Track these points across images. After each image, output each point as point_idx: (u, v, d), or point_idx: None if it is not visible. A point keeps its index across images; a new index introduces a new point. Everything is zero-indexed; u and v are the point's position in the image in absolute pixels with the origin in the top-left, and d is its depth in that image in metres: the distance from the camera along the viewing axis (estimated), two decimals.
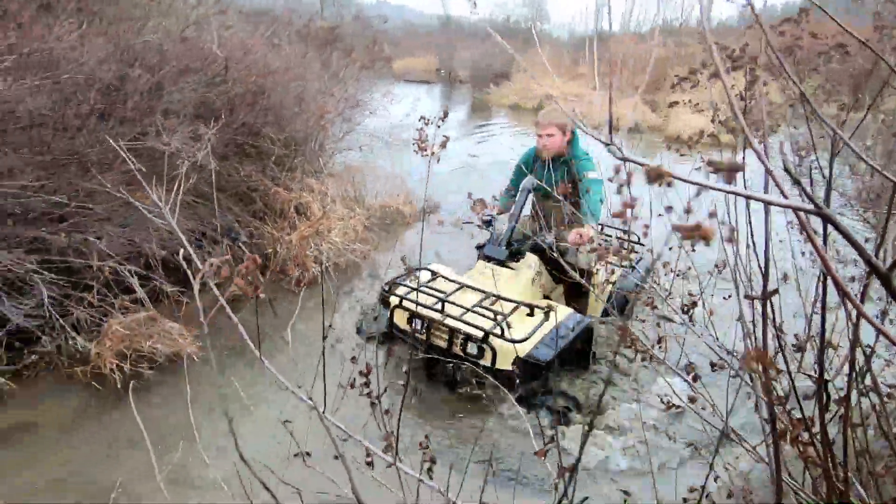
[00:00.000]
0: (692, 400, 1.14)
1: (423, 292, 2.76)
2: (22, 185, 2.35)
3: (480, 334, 2.45)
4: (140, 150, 3.02)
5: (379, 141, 6.31)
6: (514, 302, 2.60)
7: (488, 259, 3.04)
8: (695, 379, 1.18)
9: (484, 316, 2.54)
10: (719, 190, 0.42)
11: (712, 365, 1.23)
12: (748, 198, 0.44)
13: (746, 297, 0.82)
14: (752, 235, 1.06)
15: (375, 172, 5.50)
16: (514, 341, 2.35)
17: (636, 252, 3.49)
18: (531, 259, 3.09)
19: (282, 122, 4.56)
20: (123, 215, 3.01)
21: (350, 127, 6.01)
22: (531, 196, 3.16)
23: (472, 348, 2.58)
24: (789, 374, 0.90)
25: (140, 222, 3.18)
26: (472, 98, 16.98)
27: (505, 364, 2.47)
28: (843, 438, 0.77)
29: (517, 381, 2.39)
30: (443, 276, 2.93)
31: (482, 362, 2.52)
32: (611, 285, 3.24)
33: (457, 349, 2.63)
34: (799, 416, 0.83)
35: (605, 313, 3.23)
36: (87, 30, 2.95)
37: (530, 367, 2.48)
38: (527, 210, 3.28)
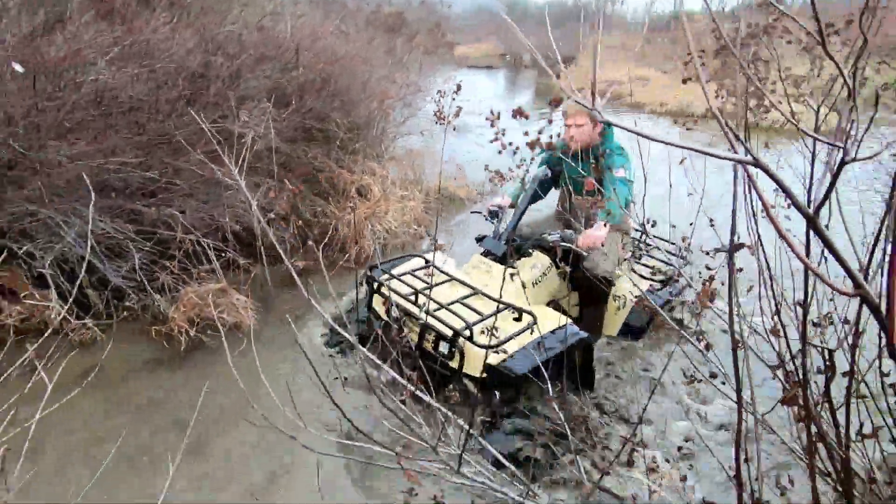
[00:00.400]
0: (713, 376, 1.16)
1: (404, 282, 2.54)
2: (123, 162, 2.67)
3: (450, 333, 2.19)
4: (219, 133, 3.30)
5: (438, 126, 6.41)
6: (501, 303, 2.24)
7: (486, 254, 2.76)
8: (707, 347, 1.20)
9: (458, 315, 2.28)
10: (664, 143, 0.48)
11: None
12: (691, 150, 0.49)
13: (717, 250, 0.88)
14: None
15: (434, 157, 5.62)
16: (483, 346, 2.04)
17: (673, 265, 3.02)
18: (538, 259, 2.76)
19: (347, 108, 4.77)
20: (205, 192, 3.31)
21: (411, 112, 6.16)
22: (558, 188, 2.98)
23: (444, 347, 2.31)
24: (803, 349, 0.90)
25: (218, 199, 3.49)
26: (536, 83, 16.70)
27: (474, 370, 2.18)
28: (847, 409, 0.79)
29: (492, 391, 2.13)
30: (435, 266, 2.67)
31: (452, 364, 2.27)
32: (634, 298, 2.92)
33: (428, 346, 2.37)
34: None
35: (627, 329, 2.97)
36: (178, 23, 3.24)
37: (503, 378, 2.13)
38: (545, 203, 3.06)
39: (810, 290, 0.92)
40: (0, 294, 2.87)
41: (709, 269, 1.21)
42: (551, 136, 1.37)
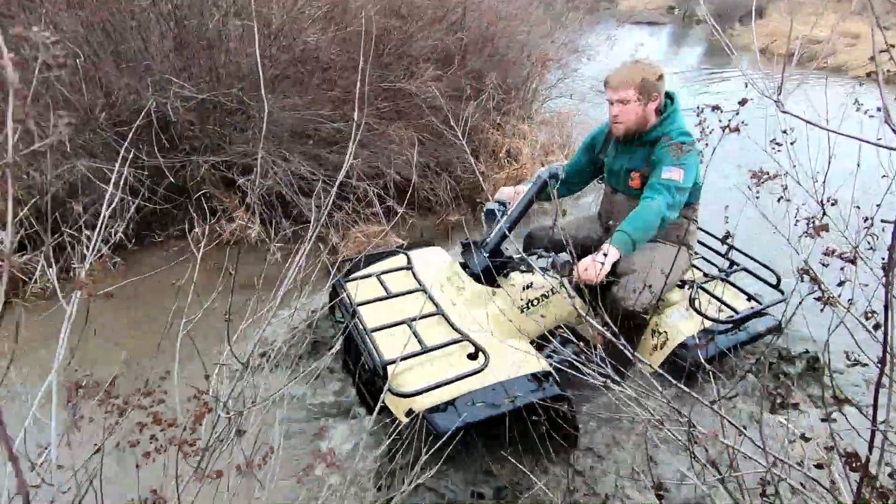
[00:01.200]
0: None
1: (385, 282, 2.14)
2: (318, 114, 3.14)
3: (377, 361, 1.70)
4: (392, 91, 3.66)
5: (592, 89, 6.20)
6: (461, 333, 1.81)
7: (464, 266, 2.22)
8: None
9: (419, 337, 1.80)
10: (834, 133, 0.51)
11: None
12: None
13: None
14: None
15: (585, 121, 5.50)
16: (397, 394, 1.62)
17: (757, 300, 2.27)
18: (518, 282, 2.11)
19: (504, 68, 4.86)
20: (376, 144, 3.74)
21: (565, 73, 6.03)
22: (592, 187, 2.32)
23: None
24: None
25: (383, 151, 3.91)
26: (707, 40, 14.83)
27: (398, 412, 1.69)
28: None
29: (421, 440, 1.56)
30: (411, 268, 2.21)
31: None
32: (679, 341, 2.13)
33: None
34: None
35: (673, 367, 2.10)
36: None
37: (430, 429, 1.60)
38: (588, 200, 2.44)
39: None
40: (222, 213, 3.64)
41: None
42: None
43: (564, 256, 1.92)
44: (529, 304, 2.08)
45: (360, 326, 1.84)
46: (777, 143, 0.90)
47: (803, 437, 0.92)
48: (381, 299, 2.01)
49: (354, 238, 3.67)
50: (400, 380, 1.68)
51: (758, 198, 0.97)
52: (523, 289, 2.05)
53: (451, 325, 1.86)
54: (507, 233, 2.07)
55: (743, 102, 0.88)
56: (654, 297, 1.94)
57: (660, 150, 1.99)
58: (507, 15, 4.98)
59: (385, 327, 1.83)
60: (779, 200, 0.93)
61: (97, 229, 0.82)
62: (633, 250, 1.88)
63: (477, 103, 4.48)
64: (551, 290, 2.07)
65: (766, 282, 2.26)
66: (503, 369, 1.71)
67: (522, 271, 2.12)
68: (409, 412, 1.62)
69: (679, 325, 2.16)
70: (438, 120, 3.92)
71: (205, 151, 3.43)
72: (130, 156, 0.88)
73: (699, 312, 2.06)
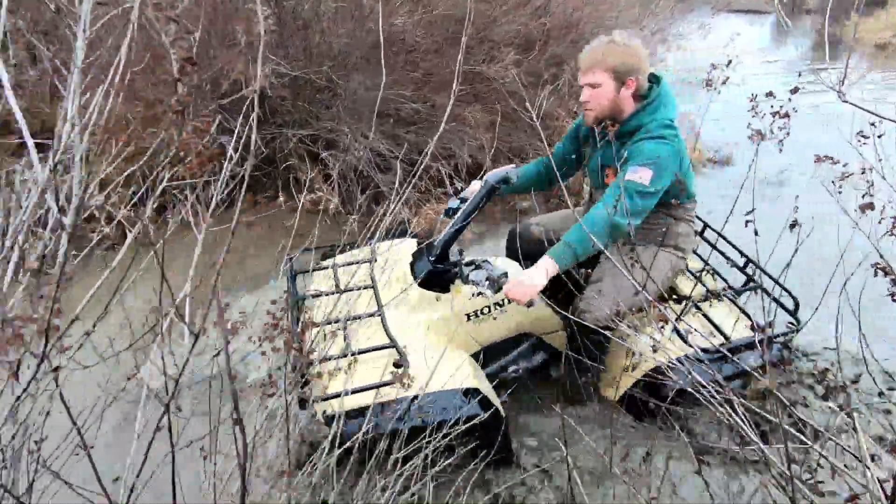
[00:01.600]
0: None
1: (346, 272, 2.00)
2: (401, 94, 3.29)
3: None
4: (472, 74, 3.73)
5: (679, 81, 5.92)
6: (392, 339, 1.68)
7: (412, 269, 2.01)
8: None
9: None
10: None
11: None
12: None
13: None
14: None
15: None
16: (304, 399, 1.52)
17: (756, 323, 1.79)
18: (465, 290, 1.89)
19: None
20: (451, 125, 3.84)
21: (652, 63, 5.80)
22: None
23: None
24: None
25: (458, 133, 4.00)
26: (815, 32, 13.51)
27: (319, 413, 1.58)
28: None
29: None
30: (373, 263, 2.03)
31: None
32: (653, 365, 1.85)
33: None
34: None
35: (630, 403, 1.94)
36: None
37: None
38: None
39: None
40: (304, 184, 3.91)
41: None
42: None
43: (502, 268, 1.72)
44: (479, 312, 1.90)
45: (297, 318, 1.74)
46: (864, 136, 0.87)
47: None
48: (329, 293, 1.91)
49: (426, 215, 3.82)
50: (326, 380, 1.58)
51: (840, 192, 0.95)
52: (472, 297, 1.86)
53: (385, 330, 1.71)
54: (450, 240, 1.88)
55: (794, 91, 0.87)
56: (623, 310, 1.67)
57: (631, 146, 1.72)
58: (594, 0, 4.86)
59: (322, 324, 1.68)
60: (863, 196, 0.90)
61: (220, 182, 0.97)
62: (576, 262, 1.70)
63: (553, 87, 4.44)
64: (471, 314, 1.90)
65: (781, 305, 1.90)
66: (432, 380, 1.54)
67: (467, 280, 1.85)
68: (325, 414, 1.51)
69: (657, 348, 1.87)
70: (513, 105, 3.95)
71: (293, 126, 3.70)
72: (237, 127, 1.03)
73: (679, 334, 1.76)
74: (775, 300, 1.90)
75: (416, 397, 1.49)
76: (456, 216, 1.94)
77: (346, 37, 3.36)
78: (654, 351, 1.64)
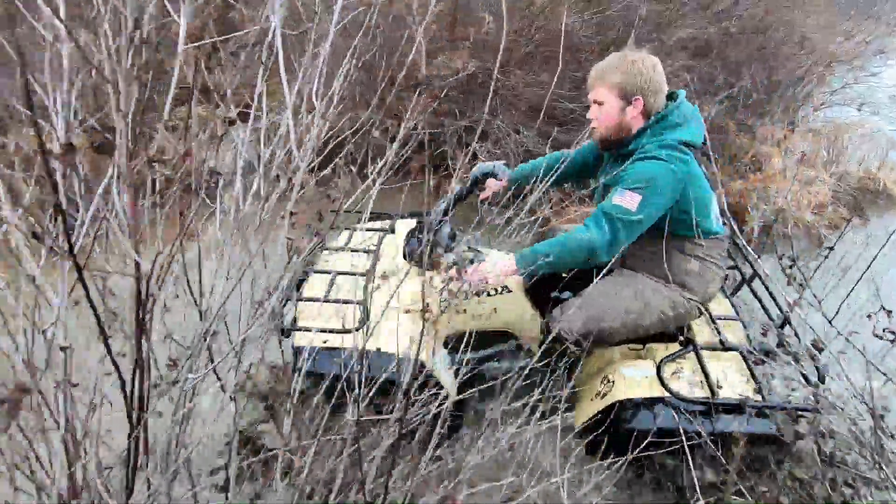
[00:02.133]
0: None
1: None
2: (557, 92, 3.31)
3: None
4: None
5: (892, 99, 5.00)
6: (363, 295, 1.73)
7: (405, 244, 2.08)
8: None
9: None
10: None
11: None
12: None
13: None
14: None
15: (872, 137, 4.52)
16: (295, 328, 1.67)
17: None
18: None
19: (772, 63, 4.28)
20: None
21: (857, 78, 4.98)
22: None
23: None
24: None
25: None
26: None
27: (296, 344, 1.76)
28: None
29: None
30: (387, 230, 2.12)
31: None
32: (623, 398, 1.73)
33: None
34: None
35: (586, 432, 1.76)
36: None
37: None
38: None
39: None
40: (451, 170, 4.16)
41: None
42: None
43: (471, 253, 1.67)
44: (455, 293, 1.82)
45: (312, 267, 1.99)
46: None
47: None
48: (339, 249, 2.09)
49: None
50: (304, 318, 1.76)
51: None
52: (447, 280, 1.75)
53: (364, 288, 1.80)
54: (434, 228, 1.89)
55: None
56: (596, 329, 1.65)
57: (627, 168, 1.62)
58: (791, 2, 4.33)
59: (317, 270, 1.94)
60: None
61: (384, 160, 1.20)
62: (537, 272, 1.60)
63: (723, 97, 4.07)
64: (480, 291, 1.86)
65: (804, 377, 1.62)
66: (387, 342, 1.60)
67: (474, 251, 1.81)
68: (293, 346, 1.68)
69: (632, 378, 1.74)
70: None
71: (452, 115, 3.94)
72: (408, 114, 1.22)
73: (660, 377, 1.65)
74: (800, 371, 1.62)
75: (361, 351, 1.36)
76: (444, 204, 1.98)
77: (512, 34, 3.48)
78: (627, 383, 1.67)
